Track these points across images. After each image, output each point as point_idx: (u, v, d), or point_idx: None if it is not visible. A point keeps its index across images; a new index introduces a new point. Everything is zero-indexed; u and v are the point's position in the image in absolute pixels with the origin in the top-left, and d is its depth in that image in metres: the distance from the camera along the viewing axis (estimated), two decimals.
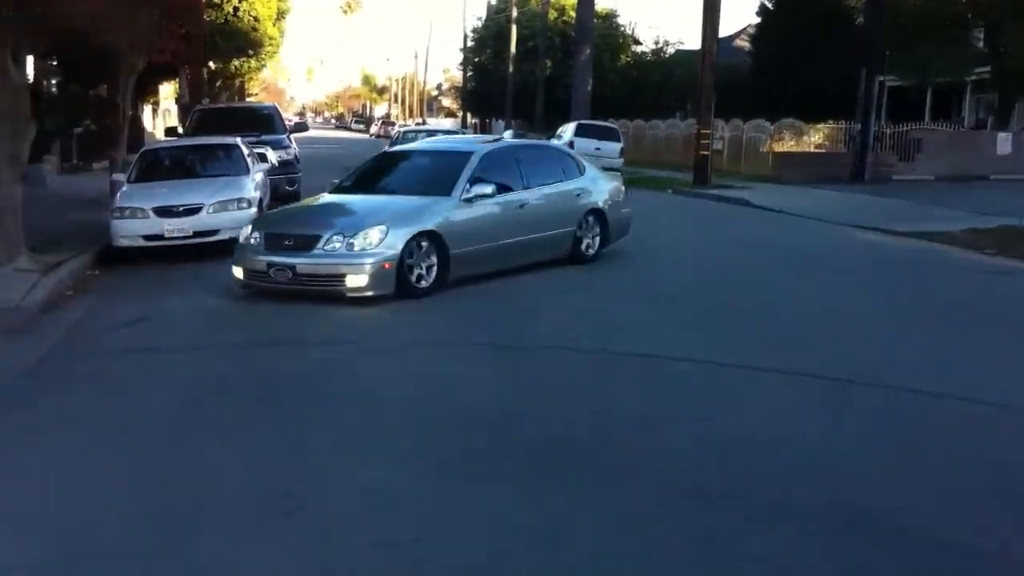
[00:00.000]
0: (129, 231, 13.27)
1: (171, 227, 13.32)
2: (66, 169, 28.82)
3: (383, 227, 10.09)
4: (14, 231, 11.94)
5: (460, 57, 69.54)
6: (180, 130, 23.52)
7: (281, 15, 40.71)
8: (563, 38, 52.60)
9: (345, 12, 39.19)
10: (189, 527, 4.82)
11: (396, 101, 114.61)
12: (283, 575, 4.35)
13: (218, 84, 40.79)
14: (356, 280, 9.90)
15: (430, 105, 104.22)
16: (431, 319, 9.65)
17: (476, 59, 64.18)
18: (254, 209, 13.82)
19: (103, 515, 4.96)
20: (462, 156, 11.79)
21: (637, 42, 56.67)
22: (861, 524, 4.81)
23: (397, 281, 10.03)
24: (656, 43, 56.32)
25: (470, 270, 10.93)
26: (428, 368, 7.93)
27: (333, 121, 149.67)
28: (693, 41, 55.92)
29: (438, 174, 11.53)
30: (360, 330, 9.25)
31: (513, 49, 52.64)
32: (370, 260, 9.92)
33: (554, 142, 34.20)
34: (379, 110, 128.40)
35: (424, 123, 67.08)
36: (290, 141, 21.17)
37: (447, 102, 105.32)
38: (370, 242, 9.97)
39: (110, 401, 7.08)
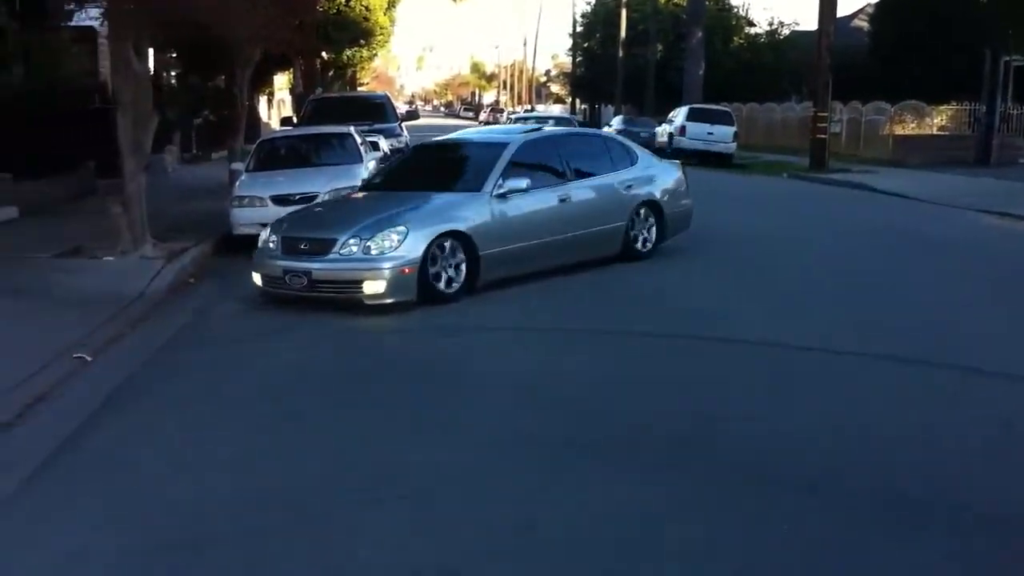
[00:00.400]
0: (248, 219, 13.55)
1: None
2: (186, 159, 29.67)
3: (402, 228, 9.33)
4: (139, 220, 12.32)
5: (569, 43, 69.24)
6: (295, 120, 23.95)
7: (392, 4, 41.08)
8: (674, 21, 51.82)
9: (454, 0, 39.31)
10: (313, 506, 4.90)
11: (504, 88, 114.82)
12: (410, 558, 4.35)
13: (330, 74, 41.47)
14: (374, 287, 9.17)
15: (538, 92, 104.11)
16: (521, 306, 9.63)
17: (585, 44, 63.79)
18: None
19: (227, 495, 5.06)
20: (496, 148, 10.92)
21: (751, 24, 55.49)
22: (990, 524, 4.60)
23: (419, 286, 9.28)
24: (770, 24, 55.03)
25: (505, 271, 10.14)
26: (534, 354, 7.93)
27: (442, 109, 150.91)
28: (809, 22, 54.61)
29: (470, 168, 10.92)
30: (456, 314, 9.29)
31: (623, 33, 52.12)
32: (388, 265, 9.15)
33: (664, 127, 33.68)
34: (487, 97, 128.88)
35: (532, 110, 67.05)
36: (402, 129, 21.38)
37: (555, 88, 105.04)
38: (388, 245, 9.22)
39: (232, 384, 7.25)
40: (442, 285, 9.50)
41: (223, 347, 8.48)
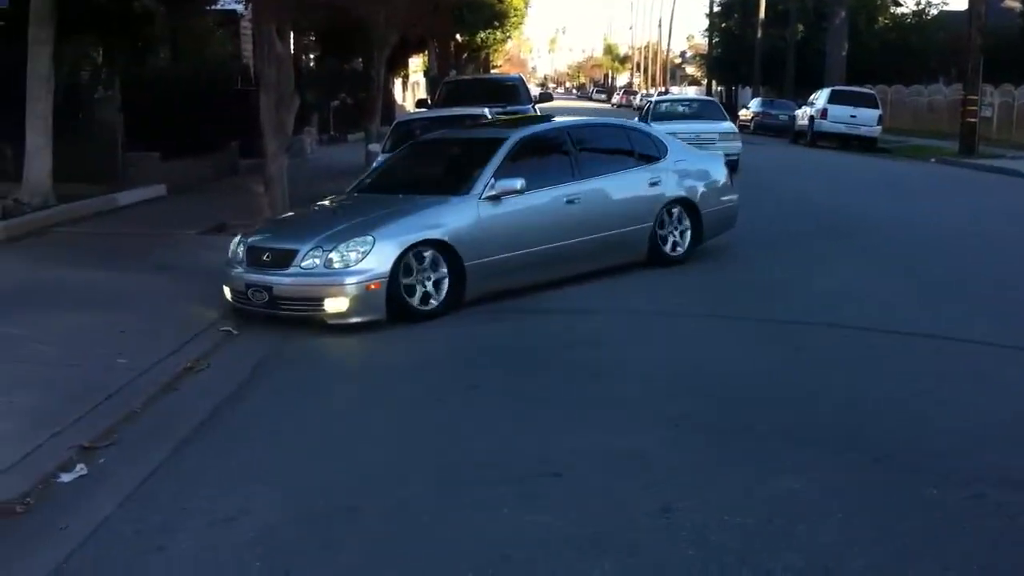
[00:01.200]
0: None
1: None
2: (324, 140, 30.29)
3: (369, 238, 8.10)
4: (280, 199, 12.57)
5: (705, 23, 67.99)
6: (429, 102, 24.14)
7: None
8: (815, 0, 50.30)
9: None
10: (466, 483, 4.92)
11: (638, 70, 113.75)
12: (552, 541, 4.30)
13: (464, 56, 41.74)
14: (335, 304, 7.97)
15: (673, 74, 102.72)
16: (648, 294, 9.43)
17: (722, 25, 62.54)
18: None
19: (378, 468, 5.11)
20: (492, 144, 9.48)
21: (897, 3, 53.42)
22: None
23: (388, 304, 8.07)
24: (918, 4, 52.88)
25: (500, 283, 8.91)
26: (684, 338, 7.79)
27: (574, 91, 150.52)
28: (958, 1, 52.18)
29: (460, 167, 9.66)
30: (611, 295, 9.19)
31: (762, 13, 50.85)
32: (352, 280, 7.95)
33: (804, 109, 32.58)
34: (621, 80, 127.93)
35: (667, 92, 66.17)
36: (535, 111, 21.25)
37: (691, 70, 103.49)
38: (351, 257, 8.02)
39: (376, 360, 7.37)
40: (416, 301, 8.28)
41: (368, 323, 8.57)
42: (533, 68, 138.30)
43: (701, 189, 10.69)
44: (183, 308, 8.60)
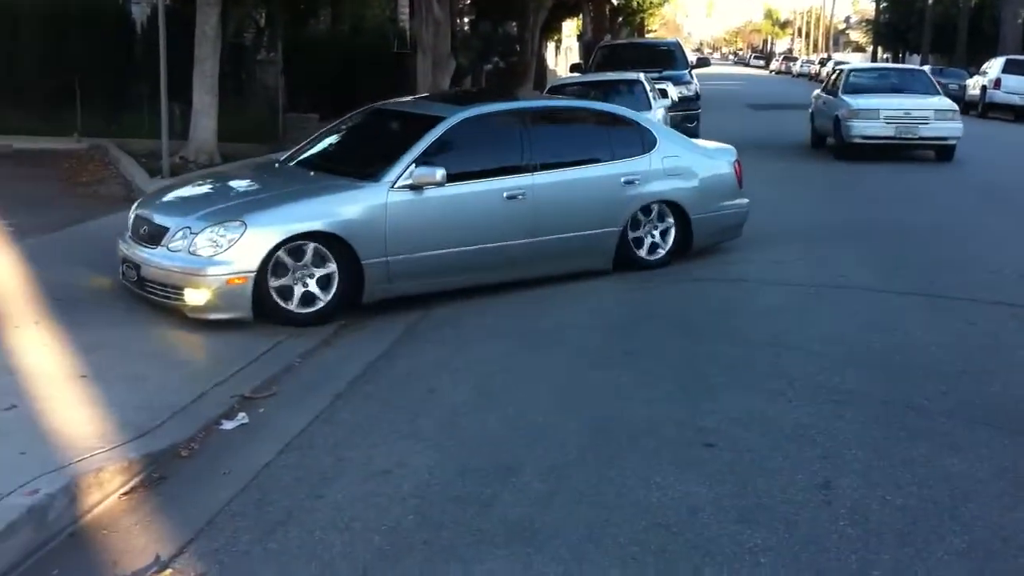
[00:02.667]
0: None
1: None
2: None
3: (238, 224, 6.88)
4: None
5: None
6: (583, 66, 23.96)
7: None
8: None
9: None
10: (609, 452, 4.87)
11: (799, 36, 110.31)
12: (707, 511, 4.25)
13: (619, 20, 41.22)
14: (195, 296, 6.79)
15: (836, 39, 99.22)
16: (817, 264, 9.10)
17: None
18: None
19: (531, 427, 5.10)
20: (424, 123, 8.06)
21: None
22: None
23: (255, 304, 6.84)
24: None
25: (414, 285, 7.66)
26: (850, 311, 7.53)
27: (731, 57, 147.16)
28: None
29: (385, 147, 8.08)
30: (763, 264, 8.97)
31: None
32: (212, 271, 6.75)
33: (976, 79, 30.86)
34: (780, 45, 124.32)
35: (828, 58, 63.84)
36: (691, 77, 20.85)
37: (855, 36, 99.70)
38: (216, 244, 6.82)
39: (519, 324, 7.35)
40: (293, 304, 7.02)
41: (508, 286, 8.59)
42: (688, 33, 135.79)
43: (693, 191, 8.99)
44: None
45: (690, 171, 9.08)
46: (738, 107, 31.69)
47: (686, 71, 20.94)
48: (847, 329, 7.07)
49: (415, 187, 7.51)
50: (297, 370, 6.16)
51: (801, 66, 71.62)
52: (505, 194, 7.99)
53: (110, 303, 7.14)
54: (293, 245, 6.99)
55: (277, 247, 6.91)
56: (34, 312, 6.68)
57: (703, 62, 31.50)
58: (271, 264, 6.90)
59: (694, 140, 10.04)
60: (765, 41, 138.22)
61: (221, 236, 6.84)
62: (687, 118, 19.29)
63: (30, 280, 7.38)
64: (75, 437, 4.67)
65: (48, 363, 5.76)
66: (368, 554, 3.90)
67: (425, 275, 7.66)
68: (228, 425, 5.21)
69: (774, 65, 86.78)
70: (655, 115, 14.72)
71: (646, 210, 8.80)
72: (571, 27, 48.85)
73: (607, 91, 15.93)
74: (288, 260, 7.00)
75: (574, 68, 25.80)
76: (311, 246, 7.07)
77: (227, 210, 7.16)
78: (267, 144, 15.75)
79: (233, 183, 8.15)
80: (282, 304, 6.98)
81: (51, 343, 6.11)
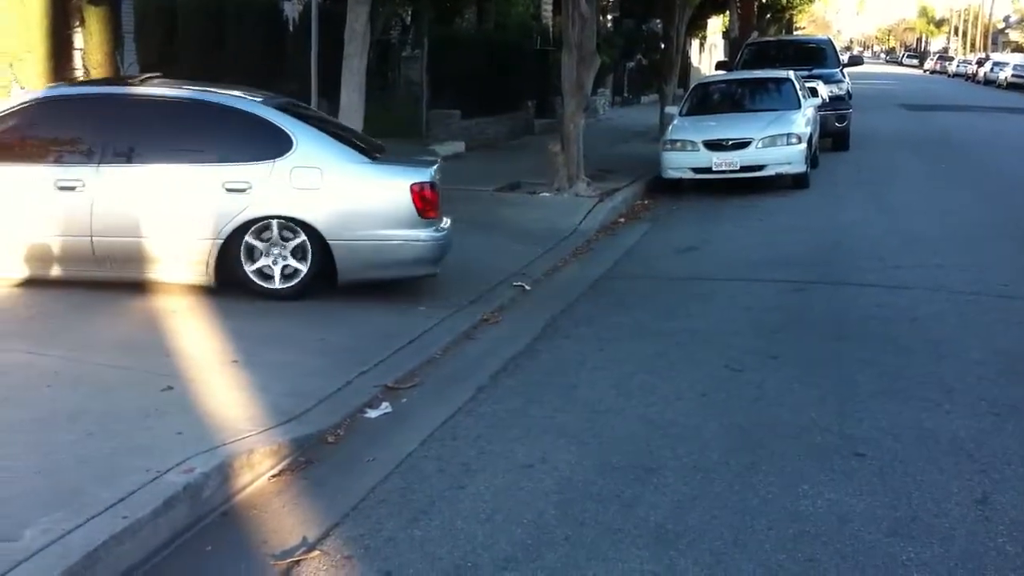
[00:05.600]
0: (679, 163, 13.57)
1: (719, 160, 13.37)
2: (616, 102, 30.31)
3: None
4: (576, 159, 12.67)
5: None
6: (730, 64, 23.55)
7: None
8: None
9: None
10: (753, 457, 4.76)
11: (956, 35, 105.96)
12: (856, 521, 4.10)
13: (767, 17, 40.32)
14: None
15: (995, 39, 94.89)
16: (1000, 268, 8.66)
17: None
18: (803, 145, 13.51)
19: (670, 428, 5.03)
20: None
21: None
22: None
23: None
24: None
25: None
26: (1016, 322, 7.15)
27: (883, 56, 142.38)
28: None
29: None
30: (921, 269, 8.60)
31: None
32: None
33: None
34: (935, 44, 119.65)
35: (986, 58, 61.00)
36: (843, 76, 20.24)
37: (1015, 36, 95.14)
38: None
39: (661, 323, 7.26)
40: None
41: (655, 285, 8.56)
42: (838, 31, 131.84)
43: (335, 209, 7.13)
44: (480, 260, 8.84)
45: (334, 185, 7.15)
46: (891, 107, 30.66)
47: (837, 69, 20.34)
48: (1009, 339, 6.74)
49: None
50: (438, 362, 6.21)
51: (958, 66, 68.72)
52: (57, 184, 7.07)
53: (256, 294, 7.35)
54: None
55: None
56: (188, 299, 6.94)
57: (856, 60, 30.51)
58: None
59: (342, 146, 7.49)
60: (919, 40, 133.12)
61: None
62: (837, 118, 18.75)
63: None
64: (227, 419, 4.81)
65: (202, 348, 5.97)
66: (510, 546, 3.90)
67: None
68: (372, 413, 5.29)
69: (929, 64, 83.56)
70: (805, 114, 14.40)
71: (263, 231, 7.12)
72: (716, 24, 48.10)
73: (754, 89, 15.70)
74: None
75: (720, 65, 25.40)
76: None
77: None
78: (411, 140, 16.02)
79: None
80: None
81: (206, 329, 6.33)
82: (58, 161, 7.23)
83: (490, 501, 4.29)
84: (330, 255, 7.13)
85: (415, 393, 5.64)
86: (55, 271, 7.21)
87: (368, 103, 14.73)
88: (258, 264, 7.15)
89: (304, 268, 7.15)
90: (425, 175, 7.31)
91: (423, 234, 7.23)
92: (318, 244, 7.12)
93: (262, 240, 7.12)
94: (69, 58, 20.79)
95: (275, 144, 7.19)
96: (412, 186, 7.16)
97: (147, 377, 5.36)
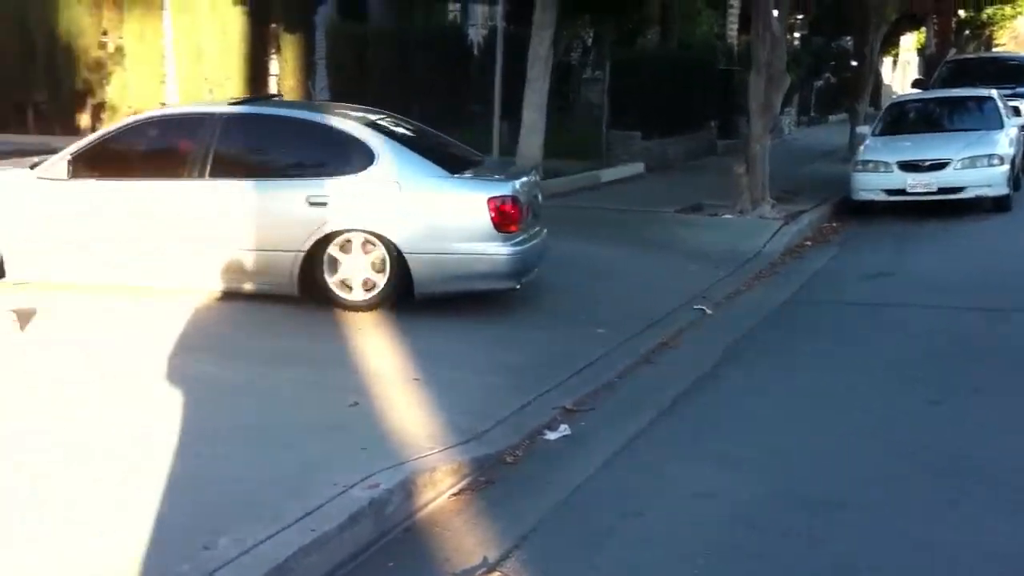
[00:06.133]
0: (871, 185, 13.09)
1: (914, 182, 12.80)
2: (802, 121, 29.50)
3: None
4: (761, 180, 12.39)
5: None
6: (925, 82, 22.62)
7: None
8: None
9: None
10: (949, 496, 4.50)
11: None
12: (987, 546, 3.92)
13: (965, 34, 38.51)
14: None
15: None
16: None
17: None
18: (1006, 166, 12.83)
19: (852, 461, 4.85)
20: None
21: None
22: None
23: None
24: None
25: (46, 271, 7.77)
26: None
27: None
28: None
29: None
30: None
31: None
32: None
33: None
34: None
35: None
36: None
37: None
38: None
39: (850, 352, 7.00)
40: None
41: (841, 312, 8.25)
42: None
43: (411, 222, 7.17)
44: (660, 283, 8.72)
45: (417, 199, 7.23)
46: None
47: None
48: None
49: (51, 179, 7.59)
50: (616, 385, 6.14)
51: None
52: (145, 196, 7.51)
53: (440, 312, 7.48)
54: None
55: None
56: (363, 315, 7.12)
57: None
58: None
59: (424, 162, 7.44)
60: None
61: None
62: None
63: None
64: (409, 436, 4.88)
65: (384, 364, 6.09)
66: None
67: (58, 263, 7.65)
68: (551, 435, 5.27)
69: None
70: (1008, 134, 13.65)
71: (345, 244, 7.24)
72: (910, 41, 46.27)
73: (953, 108, 15.03)
74: None
75: (916, 83, 24.45)
76: None
77: None
78: (588, 161, 16.03)
79: None
80: None
81: (385, 345, 6.47)
82: (158, 175, 7.63)
83: (668, 530, 4.20)
84: (406, 269, 7.18)
85: (593, 416, 5.59)
86: (151, 280, 7.58)
87: (548, 124, 14.85)
88: (339, 276, 7.27)
89: (382, 281, 7.22)
90: (504, 189, 7.30)
91: (502, 248, 7.19)
92: (396, 257, 7.18)
93: (344, 252, 7.26)
94: (265, 84, 21.93)
95: (358, 158, 7.34)
96: (489, 200, 7.14)
97: (333, 392, 5.50)
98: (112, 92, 21.22)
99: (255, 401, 5.36)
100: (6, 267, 7.62)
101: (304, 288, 7.29)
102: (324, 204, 7.19)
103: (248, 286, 7.44)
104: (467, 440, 4.90)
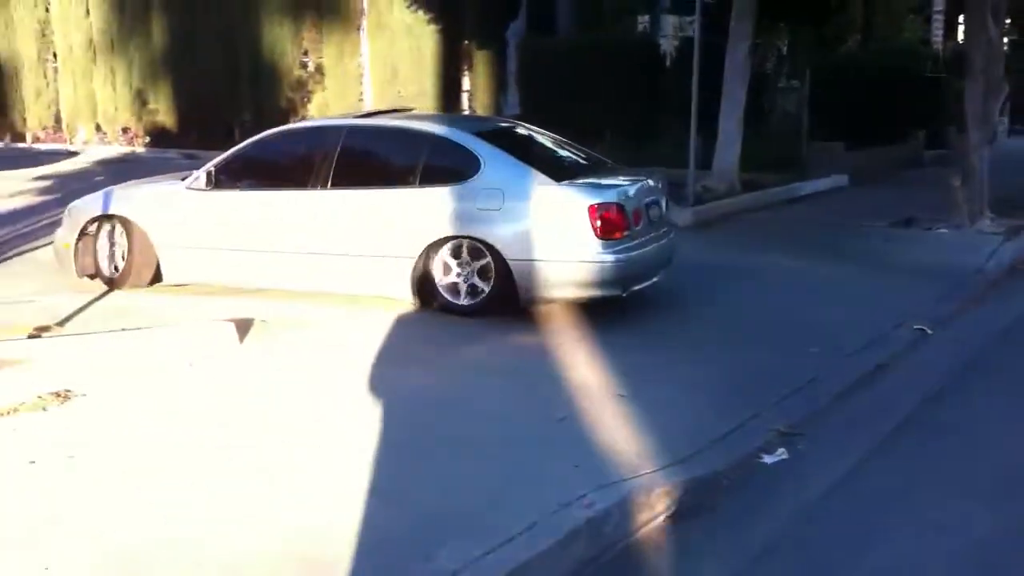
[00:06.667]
0: None
1: None
2: (1016, 130, 27.87)
3: None
4: (979, 193, 11.74)
5: None
6: None
7: None
8: None
9: None
10: None
11: None
12: None
13: None
14: None
15: None
16: None
17: None
18: None
19: None
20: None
21: None
22: None
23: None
24: None
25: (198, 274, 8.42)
26: None
27: None
28: None
29: None
30: None
31: None
32: None
33: None
34: None
35: None
36: None
37: None
38: None
39: None
40: None
41: None
42: None
43: (513, 229, 7.30)
44: (875, 301, 8.30)
45: (515, 206, 7.32)
46: None
47: None
48: None
49: (199, 188, 8.22)
50: (832, 408, 5.84)
51: None
52: (285, 204, 8.10)
53: (636, 323, 7.33)
54: None
55: None
56: (574, 331, 7.06)
57: None
58: None
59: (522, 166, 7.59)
60: None
61: None
62: None
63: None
64: (620, 454, 4.77)
65: (587, 379, 6.01)
66: None
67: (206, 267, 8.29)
68: (768, 459, 5.05)
69: None
70: None
71: (457, 250, 7.51)
72: None
73: None
74: None
75: None
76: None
77: None
78: (787, 173, 15.51)
79: None
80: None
81: (587, 360, 6.39)
82: (285, 185, 8.18)
83: (897, 565, 3.95)
84: (509, 274, 7.29)
85: (809, 440, 5.32)
86: (277, 283, 8.11)
87: (744, 135, 14.50)
88: (448, 280, 7.53)
89: (487, 287, 7.40)
90: (608, 196, 7.30)
91: (605, 255, 7.18)
92: (500, 263, 7.33)
93: (454, 258, 7.50)
94: (457, 99, 22.41)
95: (467, 167, 7.55)
96: (591, 207, 7.15)
97: (539, 406, 5.45)
98: (313, 110, 22.17)
99: (459, 412, 5.37)
100: (163, 270, 8.34)
101: (417, 292, 7.65)
102: (436, 211, 7.49)
103: (367, 291, 7.82)
104: (680, 461, 4.74)
